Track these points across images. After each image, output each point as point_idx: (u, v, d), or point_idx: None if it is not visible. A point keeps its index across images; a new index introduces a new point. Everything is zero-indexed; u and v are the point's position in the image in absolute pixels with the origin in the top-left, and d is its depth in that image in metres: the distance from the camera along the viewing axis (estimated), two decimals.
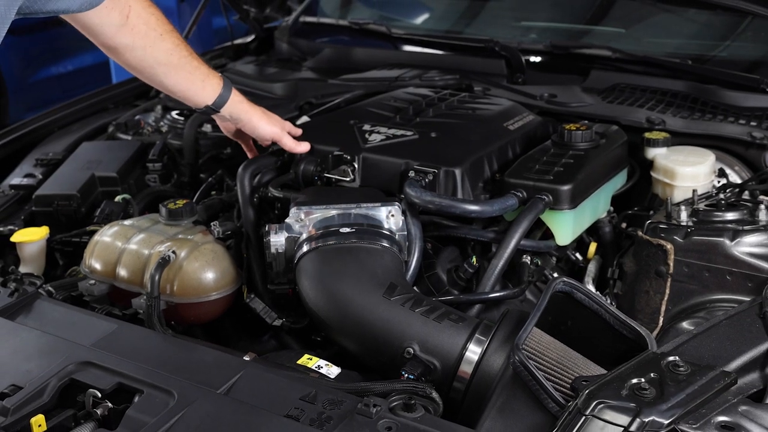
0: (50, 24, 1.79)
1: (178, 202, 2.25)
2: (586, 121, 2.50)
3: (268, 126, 2.31)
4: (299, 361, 1.81)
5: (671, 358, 1.52)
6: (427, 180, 2.13)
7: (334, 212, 2.06)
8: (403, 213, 2.08)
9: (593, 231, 2.38)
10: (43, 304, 1.98)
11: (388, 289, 1.84)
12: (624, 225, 2.35)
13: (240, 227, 2.25)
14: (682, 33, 3.20)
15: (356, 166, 2.25)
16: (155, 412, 1.54)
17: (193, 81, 2.21)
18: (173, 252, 2.04)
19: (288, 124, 2.38)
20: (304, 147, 2.33)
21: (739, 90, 2.69)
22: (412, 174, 2.15)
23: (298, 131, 2.40)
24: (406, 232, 2.06)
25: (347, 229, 1.98)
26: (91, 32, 2.08)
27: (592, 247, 2.33)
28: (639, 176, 2.48)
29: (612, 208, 2.42)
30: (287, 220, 2.05)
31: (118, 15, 2.04)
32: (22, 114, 3.18)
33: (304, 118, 2.81)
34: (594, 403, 1.40)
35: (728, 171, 2.46)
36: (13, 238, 2.37)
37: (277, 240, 2.04)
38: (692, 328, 1.90)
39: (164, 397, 1.59)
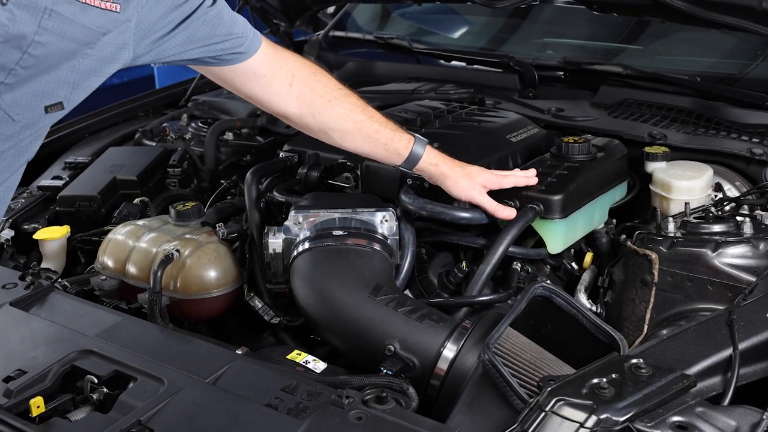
0: None
1: (187, 204, 2.36)
2: (588, 135, 2.56)
3: (463, 190, 2.17)
4: (289, 356, 1.91)
5: (634, 361, 1.58)
6: (424, 187, 2.21)
7: (330, 216, 2.15)
8: (398, 219, 2.16)
9: (590, 241, 2.44)
10: (56, 297, 2.09)
11: (374, 289, 1.92)
12: (623, 237, 2.40)
13: (245, 229, 2.35)
14: (699, 51, 3.24)
15: (358, 173, 2.34)
16: (146, 397, 1.65)
17: (375, 144, 2.18)
18: (177, 250, 2.15)
19: (494, 181, 2.21)
20: (507, 213, 2.16)
21: (743, 107, 2.73)
22: (409, 181, 2.24)
23: (510, 182, 2.23)
24: (398, 237, 2.15)
25: (340, 232, 2.08)
26: (259, 103, 2.14)
27: (588, 257, 2.39)
28: (639, 189, 2.53)
29: (614, 221, 2.48)
30: (286, 223, 2.16)
31: (279, 84, 2.09)
32: None
33: None
34: (554, 400, 1.48)
35: (729, 186, 2.49)
36: (36, 236, 2.49)
37: (275, 241, 2.14)
38: None
39: (155, 385, 1.69)
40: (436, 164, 2.19)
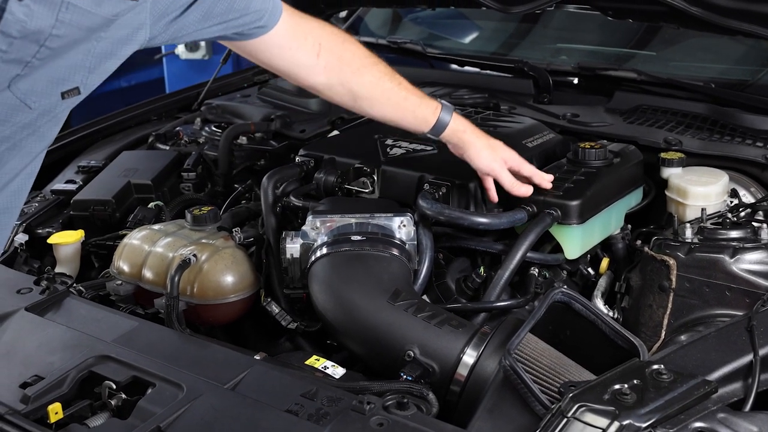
0: None
1: (203, 208, 2.36)
2: (604, 141, 2.55)
3: (485, 161, 2.19)
4: (307, 362, 1.90)
5: (655, 367, 1.58)
6: (441, 192, 2.21)
7: (347, 221, 2.15)
8: (416, 224, 2.16)
9: (606, 247, 2.43)
10: (72, 302, 2.09)
11: (392, 294, 1.92)
12: (639, 242, 2.39)
13: (262, 234, 2.34)
14: (712, 57, 3.23)
15: (375, 178, 2.34)
16: (165, 403, 1.65)
17: (403, 112, 2.17)
18: (194, 255, 2.14)
19: (516, 160, 2.24)
20: (524, 190, 2.20)
21: (758, 113, 2.72)
22: (427, 186, 2.24)
23: (528, 169, 2.24)
24: (416, 242, 2.14)
25: (358, 237, 2.07)
26: (287, 75, 2.11)
27: (604, 262, 2.38)
28: (655, 195, 2.52)
29: (630, 226, 2.47)
30: (303, 228, 2.15)
31: (306, 55, 2.05)
32: None
33: (335, 133, 2.92)
34: (576, 406, 1.47)
35: (744, 192, 2.48)
36: (50, 240, 2.49)
37: (293, 246, 2.14)
38: None
39: (174, 390, 1.69)
40: (463, 130, 2.20)
